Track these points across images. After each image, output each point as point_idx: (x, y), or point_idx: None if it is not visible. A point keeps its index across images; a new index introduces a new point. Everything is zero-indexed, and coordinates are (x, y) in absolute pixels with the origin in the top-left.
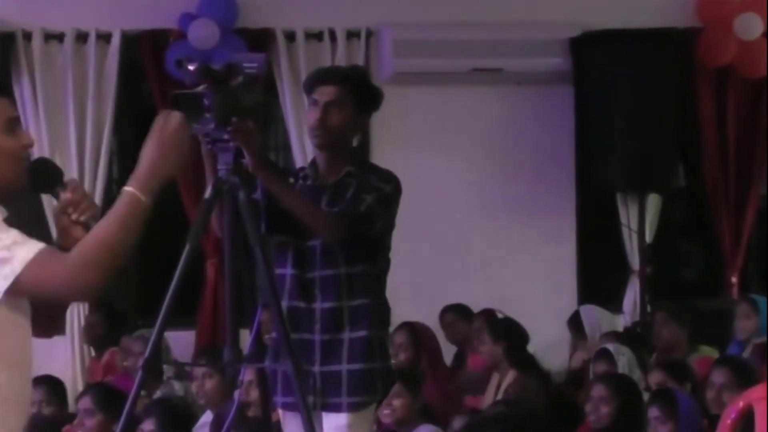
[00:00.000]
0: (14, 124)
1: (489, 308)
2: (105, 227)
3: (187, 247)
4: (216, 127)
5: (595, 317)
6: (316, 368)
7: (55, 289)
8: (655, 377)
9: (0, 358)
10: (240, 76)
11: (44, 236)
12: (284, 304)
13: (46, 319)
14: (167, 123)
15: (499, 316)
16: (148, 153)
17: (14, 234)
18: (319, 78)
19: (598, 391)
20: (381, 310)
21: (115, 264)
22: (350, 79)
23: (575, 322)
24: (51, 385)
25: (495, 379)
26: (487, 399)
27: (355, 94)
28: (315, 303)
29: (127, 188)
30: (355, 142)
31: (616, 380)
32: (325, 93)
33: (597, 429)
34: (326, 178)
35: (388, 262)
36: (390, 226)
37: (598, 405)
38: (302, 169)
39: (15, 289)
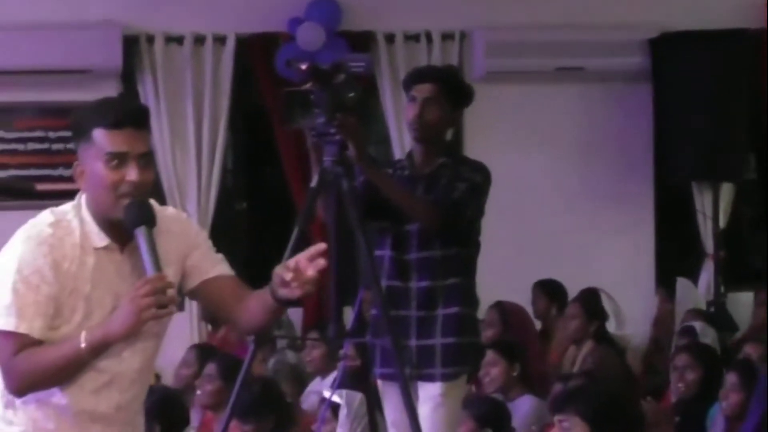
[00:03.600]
0: (120, 158)
1: (593, 287)
2: (50, 361)
3: (295, 231)
4: (326, 123)
5: (688, 293)
6: (413, 342)
7: None
8: (753, 349)
9: None
10: (342, 74)
11: None
12: (383, 283)
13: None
14: (140, 291)
15: (602, 295)
16: (114, 318)
17: (14, 301)
18: (417, 77)
19: (682, 360)
20: (471, 289)
21: (34, 389)
22: (445, 78)
23: (668, 291)
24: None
25: (572, 350)
26: (565, 369)
27: (449, 91)
28: (411, 282)
29: (82, 341)
30: (449, 136)
31: (699, 350)
32: (423, 90)
33: (683, 397)
34: (422, 168)
35: (478, 245)
36: (480, 212)
37: (683, 373)
38: (399, 161)
39: None
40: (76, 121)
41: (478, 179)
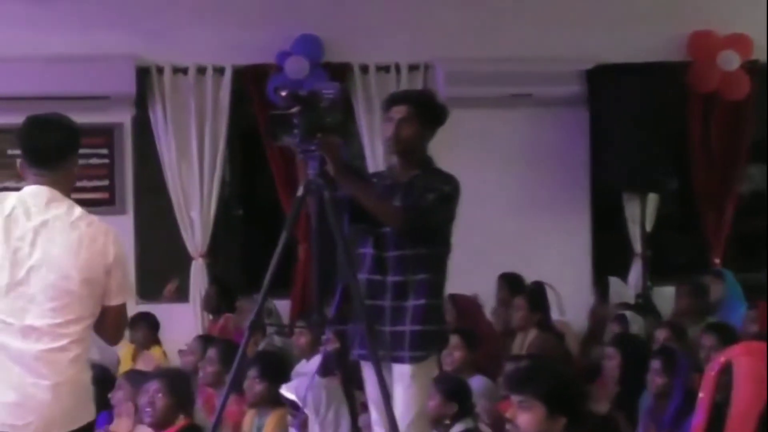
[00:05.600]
0: None
1: (539, 281)
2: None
3: (283, 234)
4: (302, 141)
5: (619, 289)
6: (387, 328)
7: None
8: (662, 333)
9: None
10: (323, 100)
11: None
12: (365, 276)
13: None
14: None
15: (547, 288)
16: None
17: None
18: (394, 99)
19: (609, 351)
20: (437, 283)
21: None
22: (417, 100)
23: (602, 288)
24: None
25: (519, 337)
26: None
27: (422, 112)
28: (388, 276)
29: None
30: (424, 151)
31: (624, 341)
32: (398, 111)
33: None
34: (400, 178)
35: (447, 246)
36: (449, 218)
37: (609, 362)
38: (382, 171)
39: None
40: (78, 136)
41: (447, 189)
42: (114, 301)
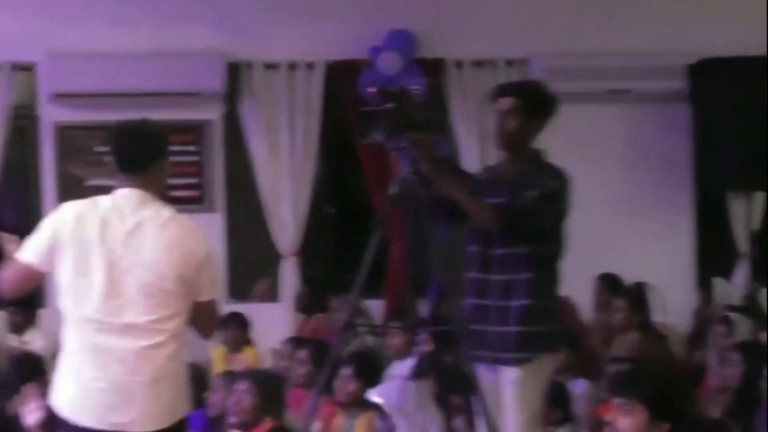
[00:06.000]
0: None
1: (641, 282)
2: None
3: (376, 233)
4: (390, 138)
5: (724, 290)
6: (492, 329)
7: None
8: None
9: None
10: (413, 97)
11: None
12: (471, 275)
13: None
14: None
15: (650, 289)
16: None
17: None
18: (499, 91)
19: (733, 357)
20: (544, 283)
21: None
22: (524, 91)
23: (706, 290)
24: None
25: (619, 339)
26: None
27: (528, 103)
28: (492, 275)
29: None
30: (530, 144)
31: (747, 348)
32: (504, 103)
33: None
34: (506, 174)
35: (557, 245)
36: (555, 216)
37: (731, 369)
38: (492, 167)
39: None
40: (165, 142)
41: (554, 186)
42: (205, 297)
